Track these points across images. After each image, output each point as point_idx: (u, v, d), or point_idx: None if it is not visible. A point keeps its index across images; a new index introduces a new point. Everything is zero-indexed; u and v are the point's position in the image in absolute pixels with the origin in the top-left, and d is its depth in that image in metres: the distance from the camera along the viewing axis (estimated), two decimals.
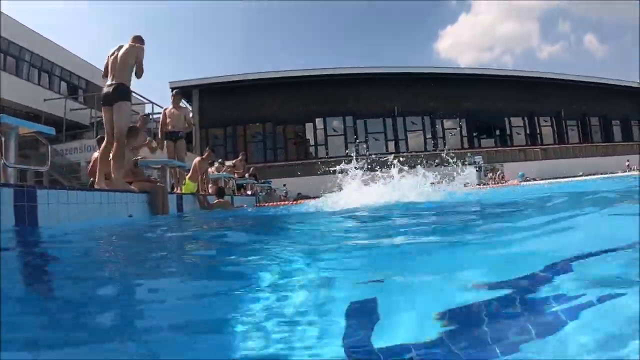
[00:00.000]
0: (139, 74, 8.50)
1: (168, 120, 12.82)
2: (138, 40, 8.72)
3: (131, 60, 8.34)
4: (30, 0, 56.24)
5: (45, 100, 28.49)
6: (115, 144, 8.31)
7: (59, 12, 79.75)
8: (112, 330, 1.53)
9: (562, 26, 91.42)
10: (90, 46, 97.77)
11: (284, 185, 29.56)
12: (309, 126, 42.86)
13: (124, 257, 3.17)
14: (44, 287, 2.26)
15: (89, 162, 9.90)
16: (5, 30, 27.04)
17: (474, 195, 11.27)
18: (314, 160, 41.08)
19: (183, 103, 16.30)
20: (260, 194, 22.19)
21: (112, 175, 8.42)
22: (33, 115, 25.47)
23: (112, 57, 8.45)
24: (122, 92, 8.20)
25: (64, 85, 32.73)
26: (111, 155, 8.38)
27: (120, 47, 8.50)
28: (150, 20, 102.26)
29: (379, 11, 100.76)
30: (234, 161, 20.31)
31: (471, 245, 2.97)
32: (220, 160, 19.05)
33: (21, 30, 28.85)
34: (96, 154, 9.18)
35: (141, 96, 25.42)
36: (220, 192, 13.12)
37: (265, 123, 42.01)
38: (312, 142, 43.03)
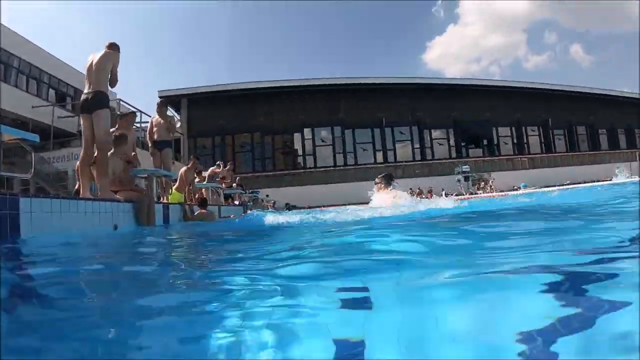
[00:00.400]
0: (112, 83, 8.36)
1: (154, 129, 12.72)
2: (113, 47, 8.61)
3: (107, 66, 8.25)
4: (19, 3, 56.21)
5: (33, 107, 28.34)
6: (97, 152, 8.25)
7: (49, 19, 79.69)
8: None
9: (549, 37, 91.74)
10: (80, 55, 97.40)
11: (267, 195, 29.55)
12: (297, 136, 42.93)
13: (99, 278, 3.12)
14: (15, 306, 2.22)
15: (75, 170, 9.83)
16: None
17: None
18: (302, 170, 41.19)
19: (171, 112, 16.22)
20: (248, 203, 22.11)
21: (97, 184, 8.36)
22: (20, 122, 25.26)
23: (88, 64, 8.37)
24: (99, 100, 8.08)
25: (52, 92, 32.57)
26: (95, 163, 8.32)
27: (96, 54, 8.42)
28: (140, 29, 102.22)
29: (367, 22, 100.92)
30: (217, 170, 20.13)
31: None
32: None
33: (10, 36, 28.74)
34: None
35: (129, 104, 25.34)
36: (203, 203, 13.01)
37: (254, 133, 42.02)
38: (300, 152, 43.05)
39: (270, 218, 9.11)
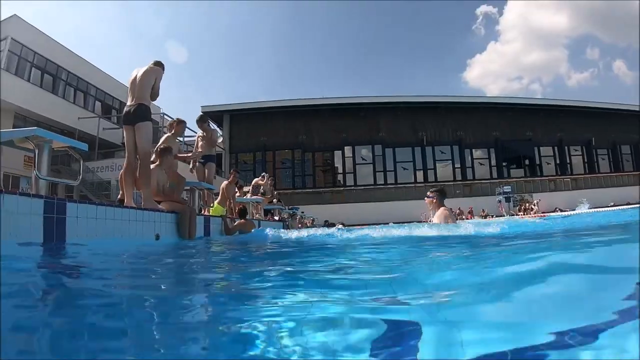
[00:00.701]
0: (153, 96, 8.52)
1: (200, 144, 12.88)
2: (158, 64, 8.81)
3: (150, 81, 8.39)
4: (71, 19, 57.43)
5: (79, 118, 29.06)
6: (139, 164, 8.39)
7: (97, 36, 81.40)
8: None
9: (591, 53, 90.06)
10: (126, 69, 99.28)
11: (302, 212, 29.54)
12: (337, 154, 42.90)
13: (143, 285, 3.14)
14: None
15: (119, 180, 9.99)
16: (43, 48, 27.83)
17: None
18: (342, 188, 41.12)
19: (213, 125, 16.34)
20: (287, 220, 22.11)
21: (141, 194, 8.48)
22: (67, 133, 25.82)
23: (132, 78, 8.54)
24: (141, 113, 8.24)
25: (98, 105, 33.35)
26: (137, 174, 8.46)
27: (140, 69, 8.59)
28: (185, 45, 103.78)
29: (407, 40, 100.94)
30: (261, 182, 20.11)
31: None
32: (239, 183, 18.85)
33: (59, 49, 29.57)
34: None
35: (173, 118, 25.69)
36: (242, 213, 13.07)
37: (295, 150, 42.17)
38: (340, 170, 43.02)
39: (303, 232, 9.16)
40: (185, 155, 12.36)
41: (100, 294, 2.51)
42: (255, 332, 1.74)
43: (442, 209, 8.93)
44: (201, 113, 36.05)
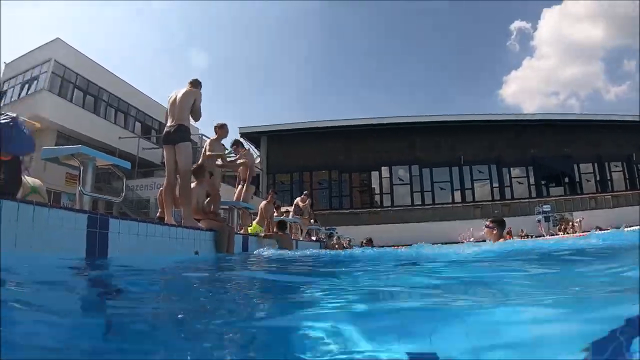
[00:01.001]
0: (196, 117, 8.75)
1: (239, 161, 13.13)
2: (195, 84, 8.99)
3: (189, 102, 8.58)
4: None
5: (120, 138, 29.68)
6: (180, 183, 8.57)
7: (136, 57, 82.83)
8: None
9: (628, 65, 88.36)
10: (164, 90, 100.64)
11: (337, 232, 29.39)
12: (374, 174, 42.88)
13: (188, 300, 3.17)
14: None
15: (158, 198, 10.16)
16: (85, 70, 28.59)
17: None
18: (379, 209, 41.01)
19: (248, 145, 16.52)
20: (324, 240, 22.10)
21: (182, 212, 8.64)
22: (108, 152, 26.33)
23: (172, 99, 8.73)
24: (182, 133, 8.45)
25: (138, 125, 34.01)
26: (178, 193, 8.64)
27: (179, 90, 8.78)
28: (222, 68, 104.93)
29: (443, 59, 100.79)
30: (301, 203, 20.15)
31: None
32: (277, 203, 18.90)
33: (100, 71, 30.33)
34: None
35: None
36: (282, 226, 13.18)
37: (331, 170, 42.26)
38: (377, 191, 42.94)
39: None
40: (229, 164, 12.57)
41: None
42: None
43: (502, 241, 8.54)
44: (239, 134, 36.74)
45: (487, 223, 8.79)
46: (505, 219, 29.22)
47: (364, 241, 17.91)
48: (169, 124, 8.63)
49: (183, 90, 8.75)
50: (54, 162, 5.99)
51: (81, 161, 5.69)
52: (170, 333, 1.98)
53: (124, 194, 7.84)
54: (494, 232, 8.50)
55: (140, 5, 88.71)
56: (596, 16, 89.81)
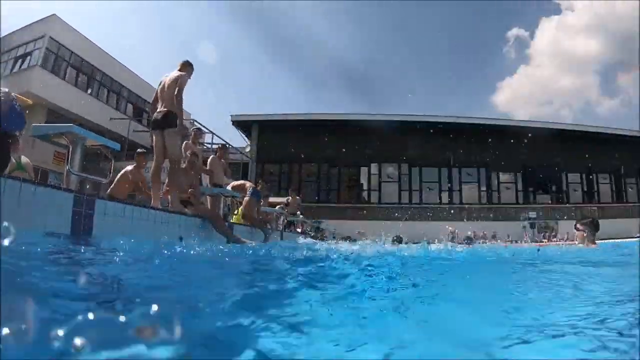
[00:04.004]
0: (176, 98, 8.58)
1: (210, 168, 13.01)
2: (184, 66, 8.91)
3: (180, 84, 8.55)
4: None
5: (111, 119, 29.55)
6: (170, 168, 8.60)
7: (133, 40, 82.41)
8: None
9: (621, 79, 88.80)
10: (158, 74, 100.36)
11: (334, 228, 29.36)
12: (363, 170, 42.88)
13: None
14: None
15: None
16: (80, 49, 28.45)
17: None
18: (366, 205, 41.02)
19: (241, 135, 16.48)
20: (309, 232, 22.12)
21: (169, 197, 8.66)
22: (98, 132, 26.33)
23: (161, 85, 8.71)
24: (170, 119, 8.41)
25: (130, 107, 33.90)
26: (168, 178, 8.67)
27: (170, 74, 8.75)
28: (218, 53, 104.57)
29: (438, 62, 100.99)
30: (288, 199, 20.24)
31: None
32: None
33: (95, 50, 30.19)
34: (129, 167, 9.54)
35: (201, 125, 25.84)
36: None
37: (321, 164, 42.20)
38: (365, 187, 43.02)
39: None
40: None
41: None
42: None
43: (592, 245, 7.58)
44: (231, 121, 36.63)
45: (578, 225, 8.02)
46: (490, 222, 28.99)
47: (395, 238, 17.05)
48: (158, 109, 8.62)
49: (172, 74, 8.73)
50: (43, 140, 6.00)
51: (71, 140, 5.69)
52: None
53: (110, 175, 7.85)
54: (585, 235, 7.82)
55: None
56: (593, 29, 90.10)
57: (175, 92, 8.52)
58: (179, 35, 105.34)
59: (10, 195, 4.12)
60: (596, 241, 7.71)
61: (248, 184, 13.81)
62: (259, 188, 14.72)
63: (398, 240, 22.64)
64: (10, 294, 1.76)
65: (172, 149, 8.44)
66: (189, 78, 8.94)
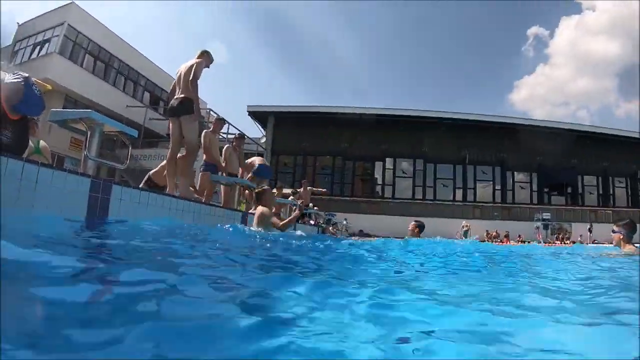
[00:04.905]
0: (191, 83, 8.62)
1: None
2: (203, 54, 8.94)
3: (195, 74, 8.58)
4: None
5: (127, 106, 29.69)
6: (185, 154, 8.61)
7: (152, 30, 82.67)
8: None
9: None
10: (176, 62, 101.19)
11: (347, 220, 29.40)
12: (378, 165, 42.84)
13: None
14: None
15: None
16: (98, 36, 28.66)
17: None
18: (379, 200, 40.93)
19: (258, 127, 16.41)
20: (322, 225, 22.09)
21: (180, 183, 8.69)
22: (115, 119, 26.57)
23: (179, 73, 8.73)
24: (186, 106, 8.42)
25: (147, 95, 34.00)
26: (180, 165, 8.68)
27: (187, 62, 8.77)
28: (234, 45, 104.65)
29: (457, 58, 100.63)
30: (300, 190, 20.27)
31: None
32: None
33: (113, 38, 30.37)
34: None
35: (218, 115, 25.97)
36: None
37: (336, 157, 42.18)
38: (379, 181, 42.96)
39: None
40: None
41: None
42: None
43: (630, 247, 7.17)
44: (248, 112, 36.62)
45: (614, 228, 7.50)
46: (504, 222, 28.75)
47: (363, 231, 16.47)
48: (175, 96, 8.65)
49: (189, 62, 8.76)
50: (60, 126, 6.00)
51: (89, 126, 5.71)
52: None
53: (127, 161, 7.88)
54: (621, 237, 7.30)
55: None
56: (613, 31, 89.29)
57: (191, 78, 8.53)
58: (197, 28, 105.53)
59: (28, 178, 4.16)
60: (636, 244, 7.21)
61: (257, 160, 13.73)
62: (214, 127, 13.04)
63: (362, 235, 22.58)
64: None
65: (189, 135, 8.45)
66: (207, 67, 8.97)
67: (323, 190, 24.09)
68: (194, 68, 8.55)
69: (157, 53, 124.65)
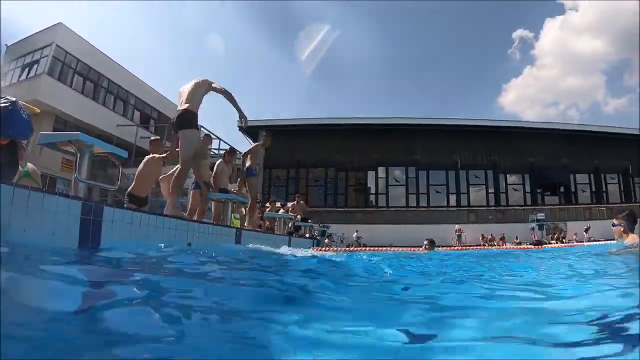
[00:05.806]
0: (220, 88, 8.76)
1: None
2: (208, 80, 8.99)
3: (202, 88, 8.55)
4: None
5: (117, 125, 29.69)
6: (178, 169, 8.57)
7: (141, 48, 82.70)
8: None
9: (628, 79, 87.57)
10: (165, 82, 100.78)
11: (343, 234, 29.49)
12: (371, 174, 42.92)
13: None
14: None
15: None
16: (86, 56, 28.69)
17: None
18: (374, 209, 41.00)
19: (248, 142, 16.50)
20: (316, 237, 22.08)
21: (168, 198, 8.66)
22: (105, 138, 26.51)
23: (185, 86, 8.68)
24: (186, 119, 8.35)
25: (137, 114, 34.02)
26: (172, 179, 8.64)
27: (193, 81, 8.74)
28: (225, 61, 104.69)
29: (444, 65, 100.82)
30: (291, 204, 20.35)
31: None
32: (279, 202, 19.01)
33: (101, 58, 30.41)
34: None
35: (208, 130, 25.99)
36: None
37: (328, 168, 42.25)
38: (373, 191, 42.99)
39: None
40: None
41: None
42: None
43: (632, 235, 7.05)
44: (238, 127, 36.63)
45: (614, 221, 7.37)
46: (499, 224, 28.91)
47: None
48: (178, 108, 8.60)
49: (197, 79, 8.73)
50: (50, 148, 5.99)
51: (78, 148, 5.69)
52: None
53: (119, 182, 7.84)
54: (622, 229, 7.18)
55: None
56: (598, 29, 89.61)
57: (214, 86, 8.77)
58: (188, 41, 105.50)
59: (19, 203, 4.14)
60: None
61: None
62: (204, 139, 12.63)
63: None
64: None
65: (183, 151, 8.39)
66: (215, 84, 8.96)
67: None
68: (205, 81, 8.64)
69: (147, 71, 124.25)
